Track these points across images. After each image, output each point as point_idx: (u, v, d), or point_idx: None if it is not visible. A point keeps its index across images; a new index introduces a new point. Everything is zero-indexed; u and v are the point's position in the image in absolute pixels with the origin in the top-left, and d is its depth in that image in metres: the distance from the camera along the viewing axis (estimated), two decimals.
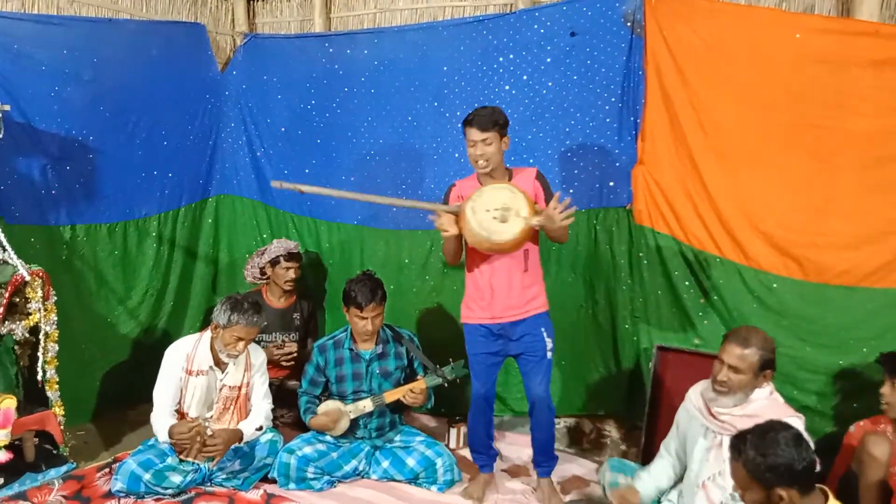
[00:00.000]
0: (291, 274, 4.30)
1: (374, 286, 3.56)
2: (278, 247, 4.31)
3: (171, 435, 3.37)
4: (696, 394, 2.92)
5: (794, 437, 2.12)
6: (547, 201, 3.19)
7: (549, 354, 3.33)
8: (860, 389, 3.39)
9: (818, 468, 2.55)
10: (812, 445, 2.58)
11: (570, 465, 3.83)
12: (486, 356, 3.39)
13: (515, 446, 4.01)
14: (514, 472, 3.78)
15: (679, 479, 3.00)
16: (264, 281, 4.43)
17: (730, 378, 2.71)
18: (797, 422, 2.63)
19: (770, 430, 2.15)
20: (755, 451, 2.10)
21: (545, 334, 3.31)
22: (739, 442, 2.16)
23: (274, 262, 4.30)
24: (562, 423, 4.21)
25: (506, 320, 3.29)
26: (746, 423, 2.37)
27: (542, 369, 3.33)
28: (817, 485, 2.18)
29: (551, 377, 3.42)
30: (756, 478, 2.09)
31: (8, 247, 3.47)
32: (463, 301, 3.44)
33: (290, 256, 4.30)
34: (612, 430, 4.15)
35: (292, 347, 4.29)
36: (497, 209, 3.00)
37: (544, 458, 3.48)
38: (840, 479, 3.07)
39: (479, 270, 3.30)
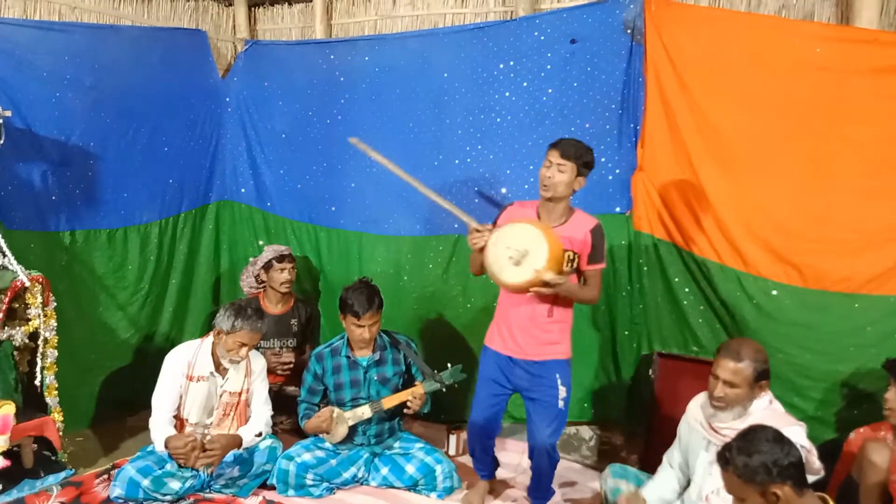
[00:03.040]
0: (286, 275, 4.31)
1: (370, 294, 3.54)
2: (270, 252, 4.34)
3: (166, 447, 3.37)
4: (696, 407, 2.92)
5: (775, 435, 2.15)
6: (591, 258, 3.11)
7: (562, 404, 3.20)
8: (860, 396, 3.39)
9: (818, 477, 2.57)
10: (815, 452, 2.61)
11: (571, 473, 3.82)
12: (492, 383, 3.32)
13: (515, 453, 4.00)
14: (513, 481, 3.77)
15: (682, 492, 3.00)
16: (261, 288, 4.44)
17: (726, 394, 2.71)
18: (799, 430, 2.63)
19: (750, 433, 2.19)
20: (741, 454, 2.13)
21: (559, 381, 3.21)
22: (725, 452, 2.18)
23: (267, 267, 4.32)
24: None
25: (517, 357, 3.23)
26: None
27: (551, 418, 3.21)
28: (818, 493, 2.18)
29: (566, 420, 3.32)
30: (748, 481, 2.11)
31: (8, 252, 3.48)
32: (491, 323, 3.39)
33: (282, 258, 4.31)
34: (612, 437, 4.14)
35: (289, 357, 4.29)
36: (517, 249, 2.92)
37: (539, 496, 3.44)
38: (840, 487, 3.06)
39: (506, 300, 3.26)
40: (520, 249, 2.92)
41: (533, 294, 3.03)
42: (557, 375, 3.20)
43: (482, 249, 3.04)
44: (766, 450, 2.10)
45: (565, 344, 3.25)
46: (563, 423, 3.27)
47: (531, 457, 3.33)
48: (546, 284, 2.92)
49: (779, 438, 2.14)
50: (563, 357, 3.23)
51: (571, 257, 3.08)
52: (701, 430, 2.84)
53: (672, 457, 3.05)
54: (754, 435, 2.17)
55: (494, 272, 3.00)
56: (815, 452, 2.63)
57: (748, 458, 2.11)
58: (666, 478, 3.04)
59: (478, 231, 3.05)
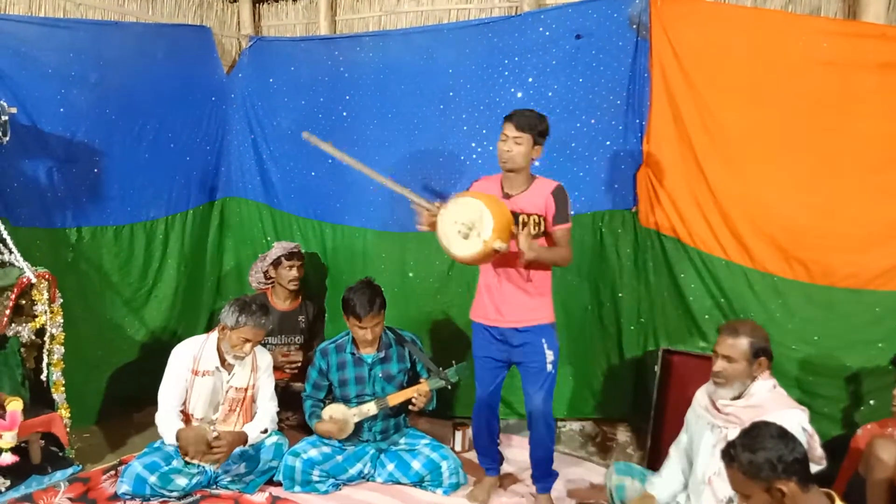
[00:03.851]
0: (294, 273, 4.32)
1: (372, 295, 3.53)
2: (279, 248, 4.35)
3: (178, 439, 3.38)
4: (701, 393, 2.96)
5: (779, 431, 2.15)
6: (556, 219, 3.16)
7: (550, 367, 3.26)
8: (867, 392, 3.39)
9: (821, 467, 2.58)
10: (817, 437, 2.61)
11: (576, 469, 3.82)
12: (486, 359, 3.37)
13: (520, 449, 3.98)
14: (518, 476, 3.77)
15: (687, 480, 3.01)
16: (269, 284, 4.45)
17: (724, 368, 2.76)
18: (801, 414, 2.65)
19: (754, 429, 2.19)
20: (746, 450, 2.13)
21: (545, 346, 3.24)
22: (730, 448, 2.18)
23: (276, 264, 4.33)
24: (567, 427, 4.20)
25: (503, 326, 3.27)
26: (750, 415, 2.40)
27: (541, 381, 3.26)
28: (824, 489, 2.18)
29: (556, 382, 3.36)
30: (753, 477, 2.11)
31: (14, 249, 3.48)
32: (475, 296, 3.43)
33: (291, 255, 4.32)
34: (617, 434, 4.14)
35: (297, 356, 4.30)
36: (463, 223, 2.97)
37: (542, 475, 3.45)
38: (847, 483, 3.06)
39: (488, 271, 3.30)
40: (466, 223, 2.97)
41: (509, 261, 3.13)
42: (543, 340, 3.25)
43: (433, 226, 3.11)
44: (771, 446, 2.10)
45: (547, 308, 3.29)
46: (553, 386, 3.32)
47: (530, 427, 3.37)
48: (497, 252, 2.96)
49: (783, 434, 2.14)
50: (547, 321, 3.28)
51: (538, 221, 3.15)
52: (705, 413, 2.86)
53: (679, 445, 3.06)
54: (758, 431, 2.16)
55: (445, 246, 3.07)
56: (817, 438, 2.64)
57: (753, 454, 2.11)
58: (672, 470, 3.04)
59: (427, 209, 3.14)
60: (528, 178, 3.24)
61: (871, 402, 3.37)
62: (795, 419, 2.55)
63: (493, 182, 3.29)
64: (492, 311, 3.30)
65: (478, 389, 3.45)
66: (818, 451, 2.62)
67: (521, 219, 3.15)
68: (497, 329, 3.29)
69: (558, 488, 3.53)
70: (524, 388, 3.35)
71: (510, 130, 3.14)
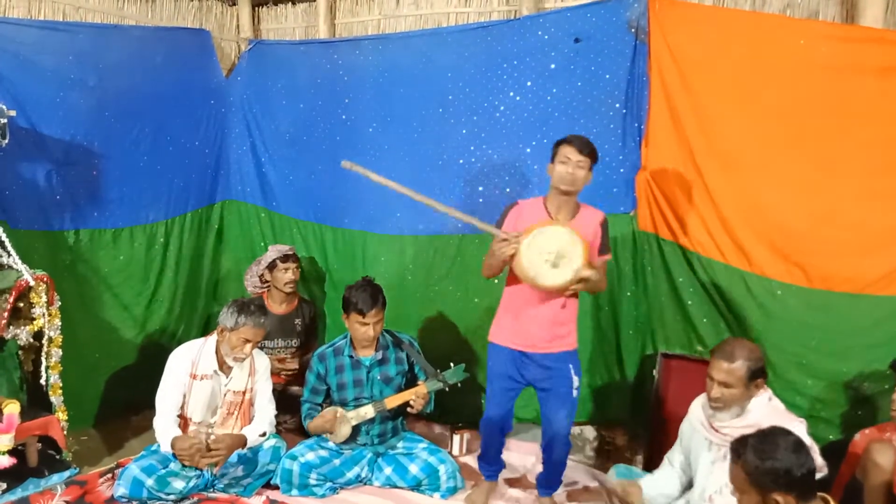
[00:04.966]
0: (290, 275, 4.32)
1: (374, 292, 3.54)
2: (273, 251, 4.35)
3: (172, 448, 3.37)
4: (697, 407, 2.92)
5: (795, 444, 2.12)
6: (601, 249, 3.19)
7: (576, 393, 3.27)
8: (865, 397, 3.38)
9: (821, 474, 2.56)
10: (816, 448, 2.60)
11: (574, 474, 3.81)
12: (505, 379, 3.34)
13: (518, 453, 3.99)
14: (517, 480, 3.76)
15: (683, 492, 2.99)
16: (265, 288, 4.44)
17: (722, 394, 2.71)
18: (799, 426, 2.62)
19: (771, 435, 2.16)
20: (755, 454, 2.11)
21: (572, 371, 3.26)
22: (740, 445, 2.16)
23: (271, 267, 4.33)
24: None
25: (531, 350, 3.25)
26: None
27: (567, 406, 3.27)
28: (820, 493, 2.17)
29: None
30: (754, 481, 2.10)
31: (12, 252, 3.49)
32: (495, 318, 3.39)
33: (286, 258, 4.32)
34: (616, 438, 4.13)
35: (293, 364, 4.30)
36: (551, 252, 2.95)
37: (550, 484, 3.46)
38: (845, 488, 3.05)
39: (517, 295, 3.25)
40: (553, 252, 2.95)
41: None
42: (570, 366, 3.26)
43: (513, 257, 3.04)
44: (781, 458, 2.08)
45: (574, 334, 3.30)
46: (575, 410, 3.32)
47: (548, 447, 3.36)
48: (582, 280, 2.98)
49: (797, 448, 2.11)
50: (573, 347, 3.29)
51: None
52: (702, 430, 2.83)
53: (673, 456, 3.05)
54: (774, 439, 2.14)
55: (531, 277, 3.01)
56: (816, 449, 2.62)
57: (760, 461, 2.09)
58: (665, 474, 3.03)
59: (505, 240, 3.04)
60: (576, 205, 3.22)
61: (870, 406, 3.36)
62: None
63: (536, 206, 3.24)
64: (521, 337, 3.26)
65: (490, 409, 3.41)
66: (819, 461, 2.60)
67: None
68: (523, 353, 3.27)
69: (557, 492, 3.52)
70: (545, 412, 3.32)
71: (573, 154, 3.10)
